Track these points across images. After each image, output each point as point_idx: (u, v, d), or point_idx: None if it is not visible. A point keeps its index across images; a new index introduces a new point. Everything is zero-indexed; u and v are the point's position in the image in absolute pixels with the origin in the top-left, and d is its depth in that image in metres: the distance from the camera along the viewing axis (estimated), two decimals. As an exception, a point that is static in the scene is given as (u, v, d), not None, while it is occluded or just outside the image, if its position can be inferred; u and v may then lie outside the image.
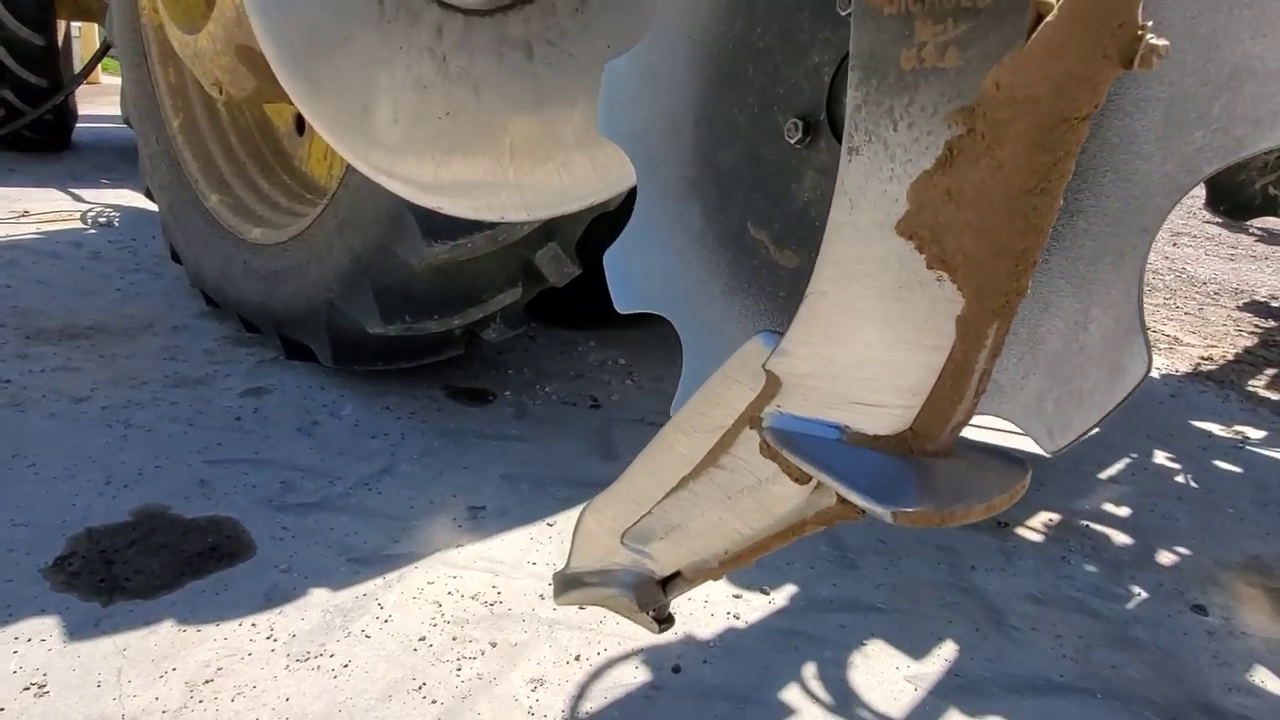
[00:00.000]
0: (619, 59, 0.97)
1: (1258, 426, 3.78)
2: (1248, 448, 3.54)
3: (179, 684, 1.73)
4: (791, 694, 1.90)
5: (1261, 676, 2.13)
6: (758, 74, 0.88)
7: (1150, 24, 0.45)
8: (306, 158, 3.76)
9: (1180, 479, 3.20)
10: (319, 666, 1.83)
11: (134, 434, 2.68)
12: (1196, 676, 2.11)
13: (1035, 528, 2.72)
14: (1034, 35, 0.45)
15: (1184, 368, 4.51)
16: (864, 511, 0.61)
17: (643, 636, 2.03)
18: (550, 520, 2.47)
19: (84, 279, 4.02)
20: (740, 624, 2.12)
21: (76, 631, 1.84)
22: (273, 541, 2.22)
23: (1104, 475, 3.16)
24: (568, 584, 0.89)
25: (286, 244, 3.19)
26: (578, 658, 1.94)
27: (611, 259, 1.06)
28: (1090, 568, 2.53)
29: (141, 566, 2.07)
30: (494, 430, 2.97)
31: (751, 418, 0.66)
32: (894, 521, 0.61)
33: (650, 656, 1.97)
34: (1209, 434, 3.65)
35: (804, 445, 0.60)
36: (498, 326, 3.10)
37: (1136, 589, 2.45)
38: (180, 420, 2.79)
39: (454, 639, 1.95)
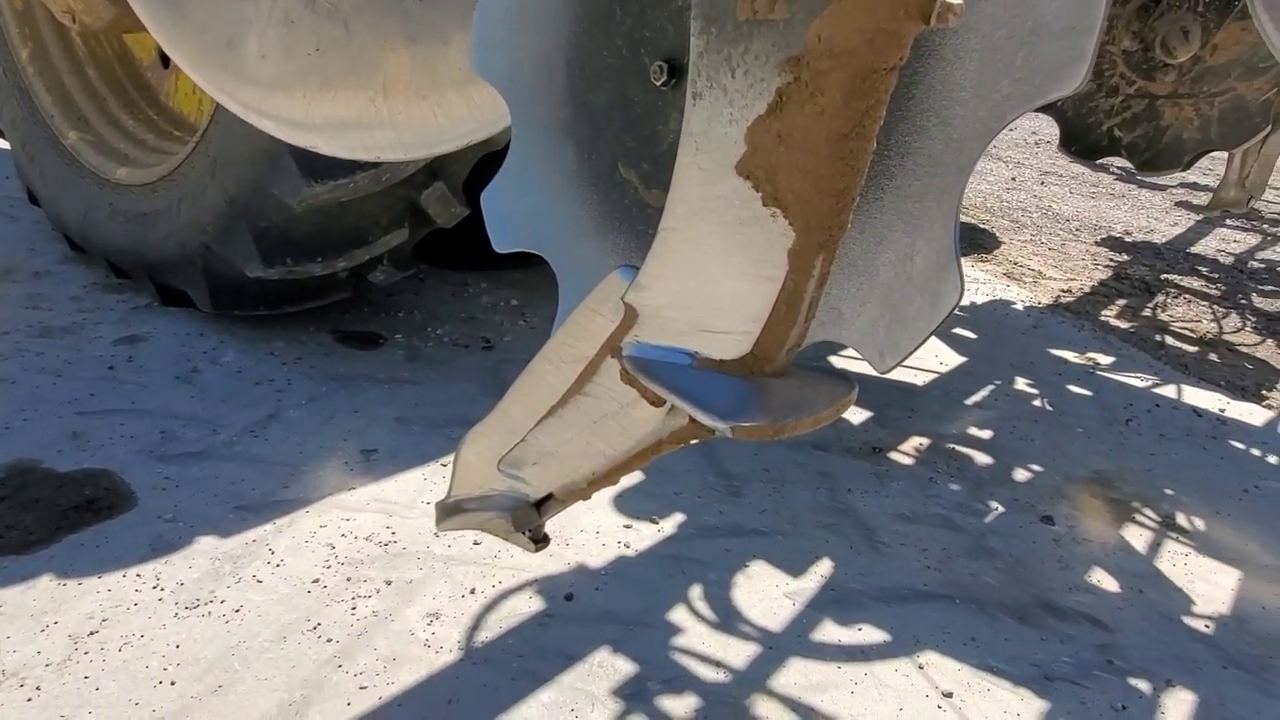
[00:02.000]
0: (494, -5, 0.97)
1: (1107, 353, 4.08)
2: (1097, 373, 3.83)
3: (61, 637, 1.71)
4: (678, 615, 2.01)
5: (1098, 577, 2.37)
6: (625, 16, 0.90)
7: None
8: (173, 92, 3.57)
9: (1037, 403, 3.45)
10: (210, 613, 1.82)
11: (-3, 387, 2.55)
12: (1043, 580, 2.32)
13: (907, 452, 2.90)
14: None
15: (1046, 300, 4.81)
16: (713, 430, 0.66)
17: (537, 568, 2.09)
18: (444, 461, 2.49)
19: (-71, 223, 3.74)
20: (630, 552, 2.21)
21: (-54, 590, 1.78)
22: (155, 492, 2.17)
23: (970, 401, 3.38)
24: (449, 511, 0.93)
25: (155, 184, 3.04)
26: (472, 591, 1.99)
27: (488, 199, 1.09)
28: (954, 486, 2.73)
29: (14, 522, 2.00)
30: (385, 374, 2.95)
31: (612, 348, 0.71)
32: (734, 435, 0.66)
33: (544, 587, 2.04)
34: (1064, 361, 3.93)
35: (658, 371, 0.65)
36: (385, 269, 3.06)
37: (994, 504, 2.66)
38: (48, 371, 2.67)
39: (348, 579, 1.98)
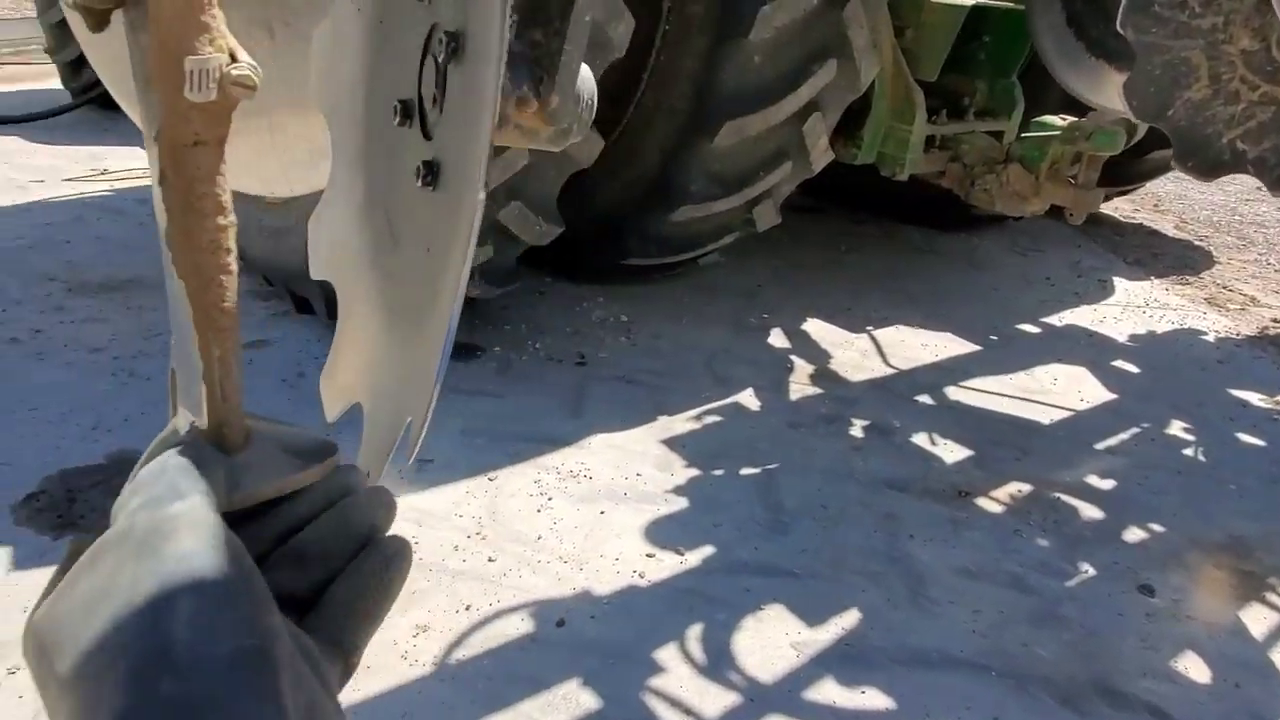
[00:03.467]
0: (323, 25, 0.99)
1: (1307, 397, 3.48)
2: (1284, 420, 3.27)
3: (97, 612, 1.92)
4: (666, 653, 1.94)
5: (1187, 663, 2.02)
6: (390, 49, 0.89)
7: (234, 58, 0.47)
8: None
9: (1188, 451, 3.00)
10: (226, 603, 1.98)
11: (134, 383, 2.91)
12: (1113, 659, 2.02)
13: (998, 498, 2.63)
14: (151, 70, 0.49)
15: (1247, 331, 4.17)
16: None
17: (541, 591, 2.10)
18: (493, 475, 2.56)
19: (137, 235, 4.34)
20: (642, 583, 2.16)
21: (23, 563, 2.06)
22: (224, 486, 2.39)
23: (1101, 445, 3.00)
24: None
25: (289, 201, 3.35)
26: (468, 608, 2.03)
27: (310, 226, 1.09)
28: (1043, 542, 2.43)
29: (98, 505, 2.28)
30: (471, 385, 3.07)
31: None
32: None
33: (540, 610, 2.04)
34: (1244, 404, 3.39)
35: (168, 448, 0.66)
36: (480, 285, 3.18)
37: (1086, 566, 2.34)
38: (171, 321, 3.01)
39: (358, 584, 2.07)
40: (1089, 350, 3.77)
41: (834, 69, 3.19)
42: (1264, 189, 2.26)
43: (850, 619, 2.09)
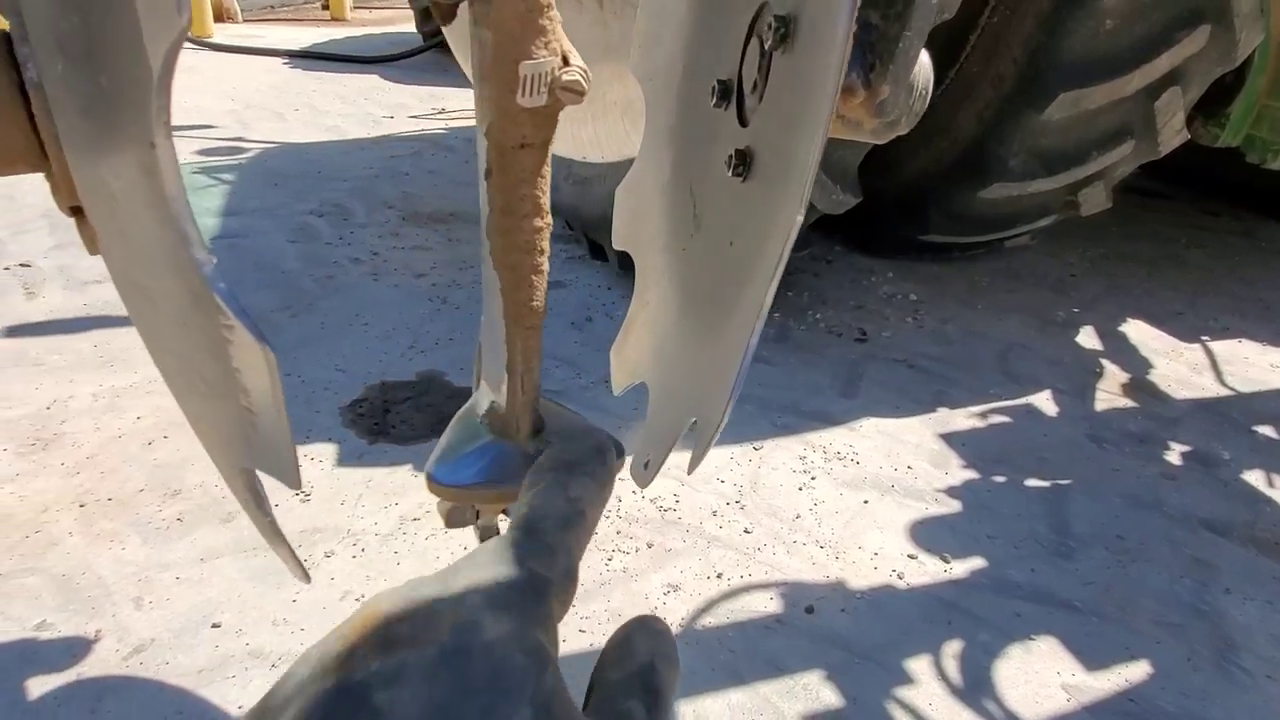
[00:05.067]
0: (651, -5, 0.98)
1: None
2: None
3: (395, 516, 2.15)
4: (918, 664, 1.83)
5: None
6: (714, 25, 0.88)
7: (567, 62, 0.44)
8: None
9: None
10: (501, 528, 2.14)
11: (446, 309, 3.20)
12: None
13: (1351, 565, 2.20)
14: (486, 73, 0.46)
15: None
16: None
17: (794, 572, 2.06)
18: (757, 445, 2.54)
19: (465, 171, 4.74)
20: (901, 584, 2.05)
21: (344, 460, 2.34)
22: (510, 417, 2.57)
23: None
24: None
25: (597, 155, 3.49)
26: (720, 575, 2.03)
27: (617, 195, 1.11)
28: (1406, 629, 2.00)
29: (408, 418, 2.54)
30: (747, 349, 3.05)
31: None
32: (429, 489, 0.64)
33: (790, 592, 2.00)
34: None
35: (459, 423, 0.67)
36: (768, 249, 3.13)
37: None
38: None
39: (618, 533, 2.15)
40: None
41: (1205, 36, 2.75)
42: None
43: (1137, 672, 1.85)
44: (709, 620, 1.92)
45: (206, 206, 4.09)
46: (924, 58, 0.79)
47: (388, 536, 2.09)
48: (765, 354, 3.03)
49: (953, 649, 1.88)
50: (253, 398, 0.49)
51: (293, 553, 0.70)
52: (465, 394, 2.69)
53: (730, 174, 0.82)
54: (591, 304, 3.31)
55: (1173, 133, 3.05)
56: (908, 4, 0.74)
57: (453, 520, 0.88)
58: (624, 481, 2.28)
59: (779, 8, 0.71)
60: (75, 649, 1.72)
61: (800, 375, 2.91)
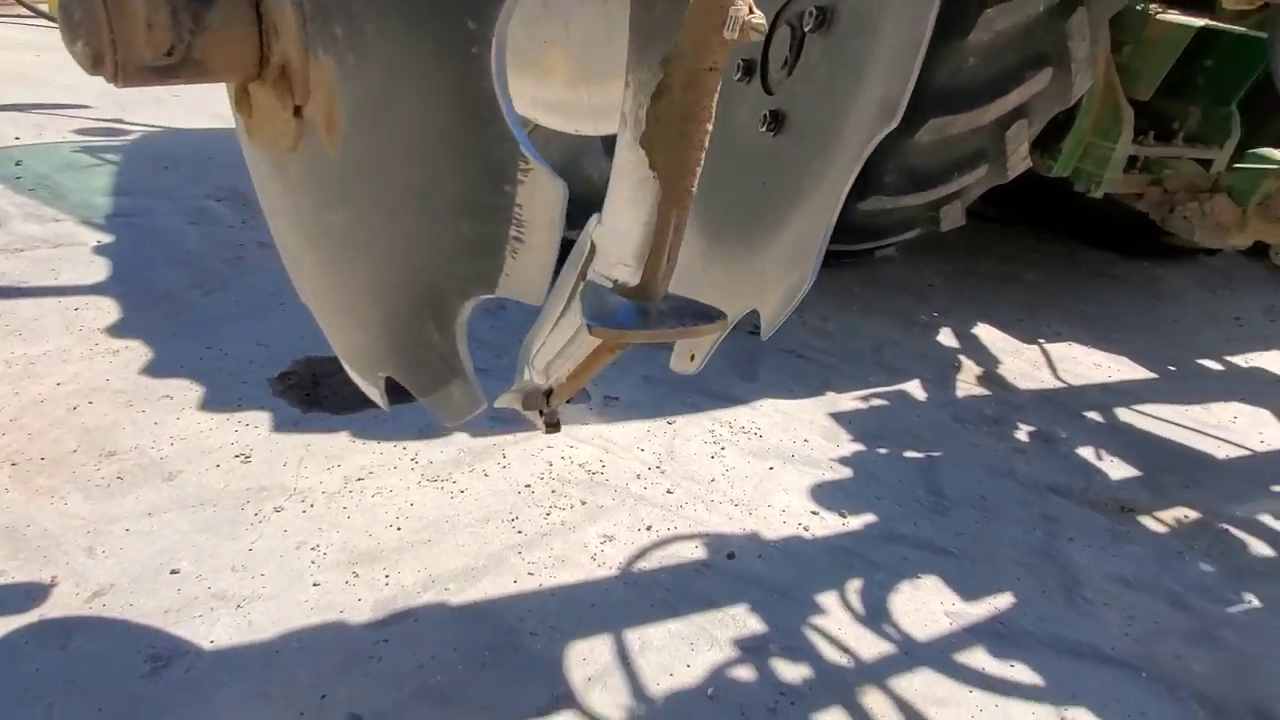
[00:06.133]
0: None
1: None
2: None
3: (340, 476, 2.24)
4: (827, 599, 2.09)
5: (1348, 704, 2.02)
6: None
7: (752, 10, 0.65)
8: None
9: (1374, 508, 2.90)
10: (443, 488, 2.26)
11: (362, 293, 3.27)
12: (1268, 684, 2.04)
13: (1163, 520, 2.64)
14: (687, 14, 0.66)
15: None
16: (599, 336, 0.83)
17: (714, 525, 2.29)
18: (671, 419, 2.76)
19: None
20: (807, 535, 2.31)
21: (280, 426, 2.40)
22: (439, 391, 2.69)
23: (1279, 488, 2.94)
24: (505, 396, 1.19)
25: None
26: (649, 528, 2.24)
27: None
28: (1206, 567, 2.44)
29: (339, 390, 2.61)
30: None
31: (583, 274, 0.91)
32: (589, 332, 0.82)
33: (714, 542, 2.23)
34: None
35: (585, 292, 0.84)
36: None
37: (1249, 597, 2.35)
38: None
39: (553, 491, 2.32)
40: (1276, 395, 3.65)
41: (1048, 77, 3.20)
42: None
43: (1003, 601, 2.18)
44: (643, 565, 2.11)
45: (95, 185, 3.96)
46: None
47: (335, 494, 2.17)
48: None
49: (854, 586, 2.15)
50: (527, 226, 0.66)
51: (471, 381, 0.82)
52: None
53: (763, 130, 1.04)
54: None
55: (1019, 160, 3.51)
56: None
57: (529, 404, 1.05)
58: (552, 448, 2.46)
59: (818, 0, 0.94)
60: (33, 593, 1.73)
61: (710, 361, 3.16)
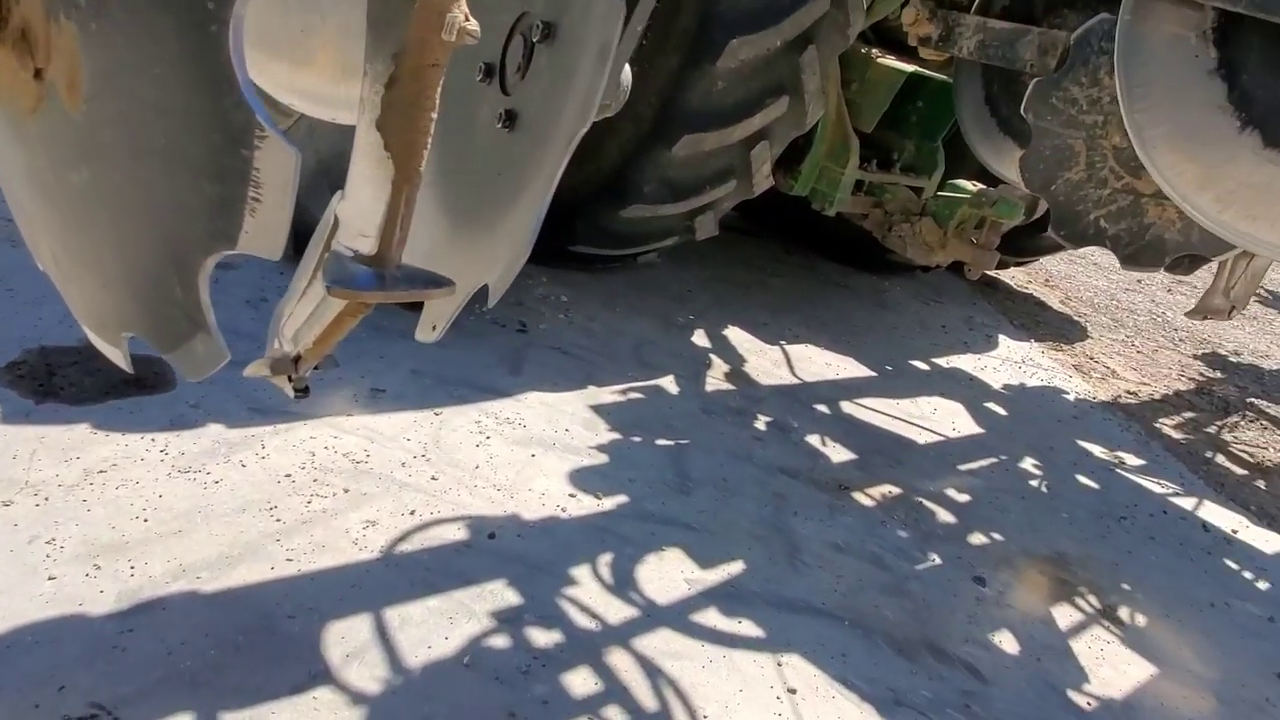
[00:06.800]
0: None
1: (1141, 455, 4.04)
2: (1117, 470, 3.81)
3: (78, 469, 2.13)
4: (580, 571, 2.26)
5: (1002, 638, 2.46)
6: (481, 22, 1.20)
7: (467, 18, 0.80)
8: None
9: (1034, 482, 3.50)
10: (195, 479, 2.22)
11: (104, 281, 3.08)
12: (943, 626, 2.44)
13: (872, 495, 3.05)
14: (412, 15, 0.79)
15: (1103, 397, 4.76)
16: (338, 297, 0.95)
17: (476, 509, 2.40)
18: (438, 410, 2.84)
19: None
20: (564, 515, 2.48)
21: (8, 418, 2.24)
22: (191, 385, 2.61)
23: (963, 467, 3.47)
24: (254, 364, 1.25)
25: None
26: (413, 513, 2.31)
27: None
28: (902, 533, 2.85)
29: (76, 381, 2.47)
30: (421, 333, 3.33)
31: (327, 245, 1.02)
32: (329, 294, 0.94)
33: (475, 524, 2.34)
34: (1088, 453, 3.92)
35: (329, 262, 0.95)
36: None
37: (934, 556, 2.78)
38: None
39: (314, 480, 2.34)
40: (968, 391, 4.27)
41: (785, 105, 3.59)
42: (1122, 268, 2.74)
43: (735, 568, 2.45)
44: (405, 547, 2.19)
45: None
46: (627, 68, 1.22)
47: (72, 487, 2.07)
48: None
49: (605, 559, 2.34)
50: (264, 187, 0.74)
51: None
52: (138, 361, 2.66)
53: (500, 126, 1.19)
54: (264, 285, 3.37)
55: (763, 178, 3.90)
56: (624, 29, 1.17)
57: (277, 369, 1.12)
58: (315, 439, 2.48)
59: (544, 15, 1.10)
60: None
61: (471, 357, 3.26)
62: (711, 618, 2.23)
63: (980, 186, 4.21)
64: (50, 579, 1.82)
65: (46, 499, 2.01)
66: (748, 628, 2.23)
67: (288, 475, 2.33)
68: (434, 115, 0.85)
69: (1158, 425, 4.56)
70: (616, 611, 2.16)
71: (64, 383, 2.45)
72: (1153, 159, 1.99)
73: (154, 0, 0.77)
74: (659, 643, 2.10)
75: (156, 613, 1.82)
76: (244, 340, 2.92)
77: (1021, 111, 2.57)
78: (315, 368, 1.20)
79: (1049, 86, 2.50)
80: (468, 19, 0.81)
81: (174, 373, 2.64)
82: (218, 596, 1.90)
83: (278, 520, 2.15)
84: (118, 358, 1.08)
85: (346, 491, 2.33)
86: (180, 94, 0.77)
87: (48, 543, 1.90)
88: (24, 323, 2.67)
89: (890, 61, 4.22)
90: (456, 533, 2.29)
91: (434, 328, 1.22)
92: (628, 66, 1.22)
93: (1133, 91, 1.97)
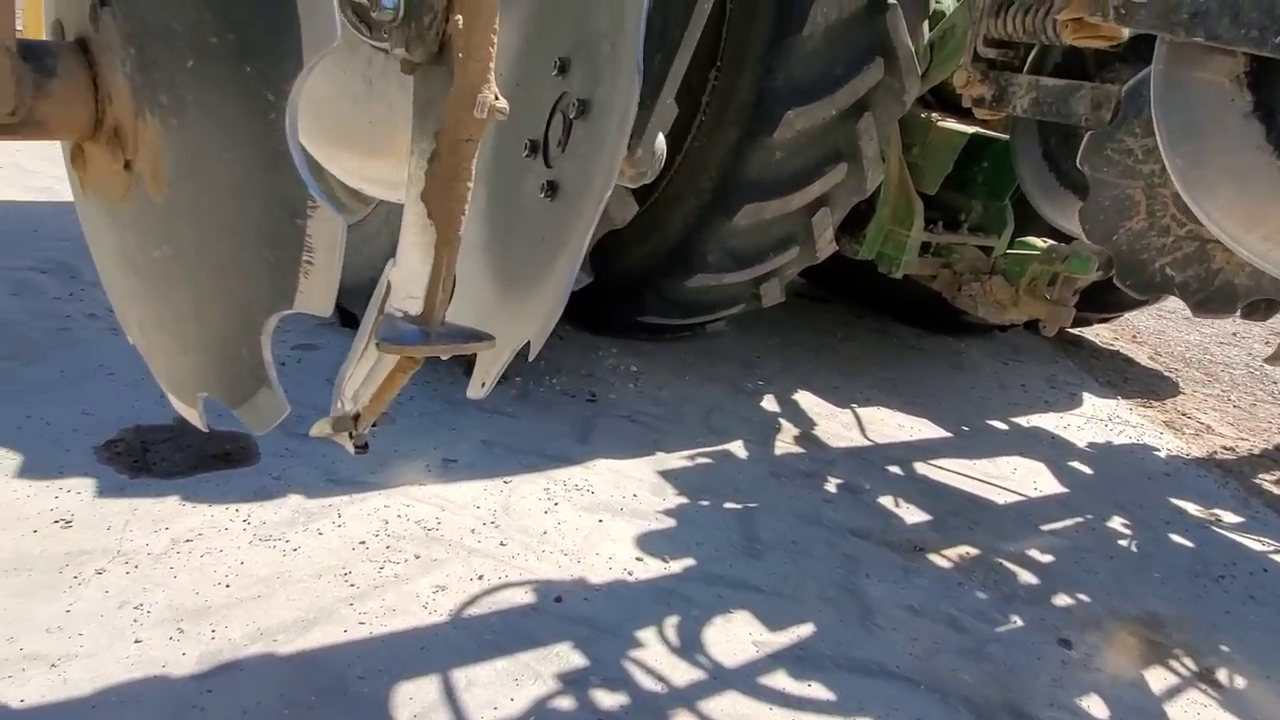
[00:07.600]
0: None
1: (1239, 513, 3.83)
2: (1214, 529, 3.62)
3: (167, 538, 2.25)
4: (645, 634, 2.26)
5: (1090, 702, 2.34)
6: (524, 103, 1.29)
7: (497, 97, 0.87)
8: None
9: (1123, 542, 3.34)
10: (275, 547, 2.31)
11: (197, 364, 3.27)
12: (1026, 690, 2.33)
13: (948, 556, 2.96)
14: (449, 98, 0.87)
15: (1197, 453, 4.55)
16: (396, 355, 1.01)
17: (544, 574, 2.42)
18: (508, 479, 2.90)
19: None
20: (630, 579, 2.48)
21: (105, 492, 2.39)
22: (273, 457, 2.73)
23: (1046, 527, 3.35)
24: (318, 424, 1.32)
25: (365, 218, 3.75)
26: (481, 577, 2.35)
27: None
28: (981, 595, 2.76)
29: (168, 456, 2.62)
30: (491, 405, 3.42)
31: (381, 309, 1.09)
32: (379, 350, 0.99)
33: (542, 588, 2.37)
34: (1182, 511, 3.74)
35: (382, 324, 1.01)
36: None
37: (1015, 618, 2.67)
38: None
39: (387, 547, 2.41)
40: (1050, 450, 4.14)
41: (844, 171, 3.64)
42: (1196, 317, 2.66)
43: (805, 630, 2.41)
44: (474, 610, 2.22)
45: (-95, 256, 3.79)
46: (660, 138, 1.29)
47: (161, 555, 2.18)
48: (509, 410, 3.42)
49: (672, 621, 2.33)
50: (315, 252, 0.82)
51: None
52: (224, 437, 2.81)
53: (543, 196, 1.26)
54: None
55: (826, 243, 3.93)
56: (655, 102, 1.24)
57: (339, 427, 1.19)
58: (389, 507, 2.57)
59: (579, 94, 1.18)
60: None
61: (540, 426, 3.33)
62: (780, 680, 2.19)
63: (1050, 243, 4.15)
64: (136, 642, 1.92)
65: (136, 566, 2.13)
66: (818, 690, 2.18)
67: (362, 542, 2.40)
68: (470, 185, 0.92)
69: (1258, 481, 4.32)
70: (683, 674, 2.14)
71: (157, 458, 2.60)
72: (1198, 202, 1.96)
73: (224, 96, 0.87)
74: (726, 705, 2.07)
75: (235, 674, 1.89)
76: (321, 414, 3.04)
77: (1078, 164, 2.56)
78: (374, 425, 1.27)
79: (1103, 139, 2.49)
80: (497, 98, 0.88)
81: (258, 446, 2.77)
82: (293, 658, 1.97)
83: (352, 585, 2.22)
84: (194, 417, 1.17)
85: (418, 557, 2.38)
86: (246, 174, 0.86)
87: (136, 608, 2.00)
88: (122, 403, 2.85)
89: (951, 124, 4.24)
90: (524, 596, 2.31)
91: (483, 384, 1.28)
92: (661, 136, 1.28)
93: (1172, 136, 1.96)
